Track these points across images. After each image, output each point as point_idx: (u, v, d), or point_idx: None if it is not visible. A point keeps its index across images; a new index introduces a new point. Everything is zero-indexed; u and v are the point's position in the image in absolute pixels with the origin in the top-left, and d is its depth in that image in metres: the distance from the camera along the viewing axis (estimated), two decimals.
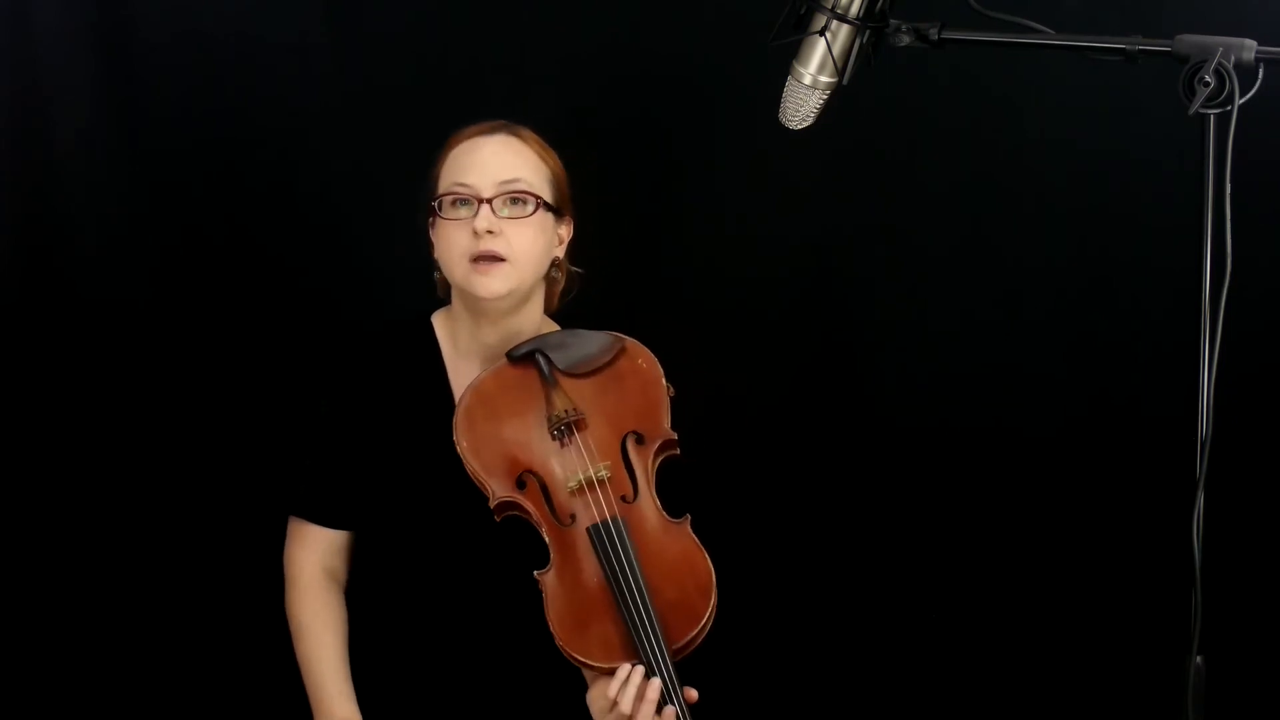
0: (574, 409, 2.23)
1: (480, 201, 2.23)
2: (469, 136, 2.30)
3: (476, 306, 2.29)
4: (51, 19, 2.85)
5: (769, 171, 2.91)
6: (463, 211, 2.24)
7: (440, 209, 2.26)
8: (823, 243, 2.97)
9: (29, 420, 2.91)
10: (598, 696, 2.16)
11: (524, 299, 2.31)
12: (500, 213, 2.23)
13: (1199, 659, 1.80)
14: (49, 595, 2.93)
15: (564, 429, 2.22)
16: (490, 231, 2.21)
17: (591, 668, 2.15)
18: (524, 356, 2.27)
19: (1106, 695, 2.93)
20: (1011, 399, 2.96)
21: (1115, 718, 2.90)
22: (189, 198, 2.94)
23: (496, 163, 2.26)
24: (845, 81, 1.97)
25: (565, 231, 2.36)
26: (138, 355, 2.93)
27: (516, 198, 2.25)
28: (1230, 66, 1.79)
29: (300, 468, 2.33)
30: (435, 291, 2.41)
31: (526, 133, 2.31)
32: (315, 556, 2.33)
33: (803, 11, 1.96)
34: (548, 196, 2.29)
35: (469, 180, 2.25)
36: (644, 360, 2.30)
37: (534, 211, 2.26)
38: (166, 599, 2.95)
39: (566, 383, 2.26)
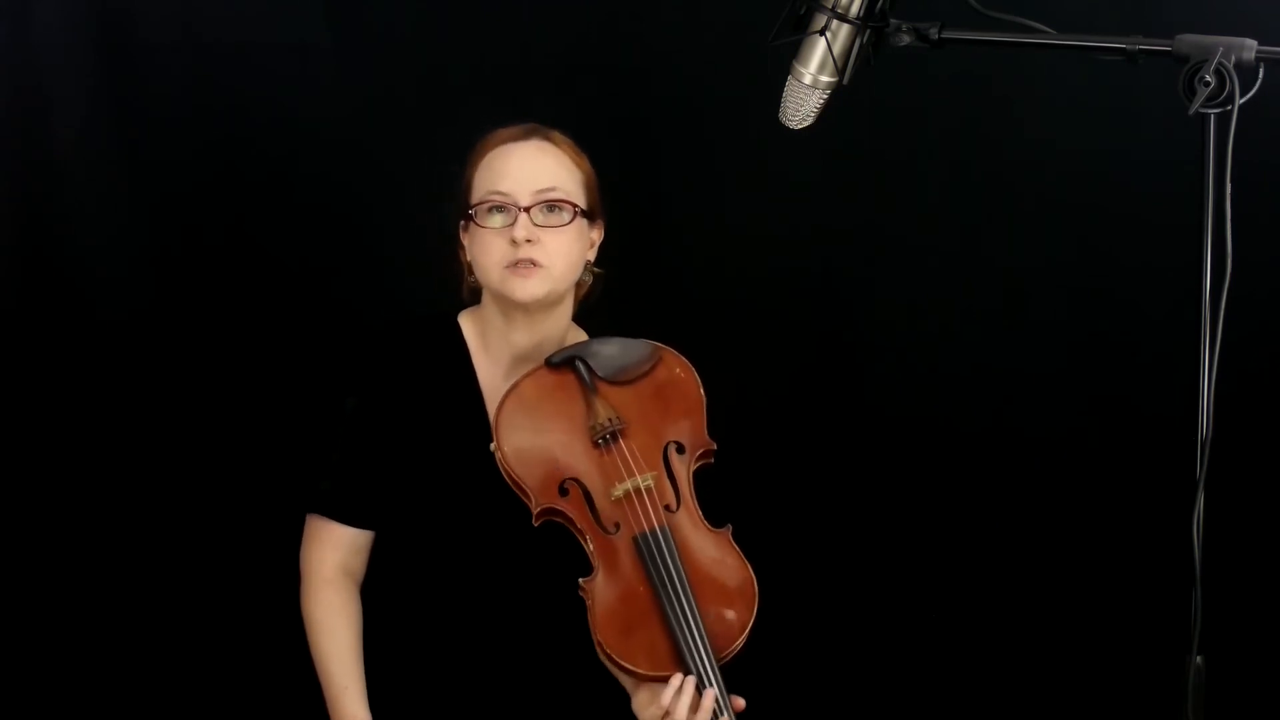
0: (617, 417, 2.23)
1: (518, 210, 2.22)
2: (502, 141, 2.28)
3: (510, 309, 2.28)
4: (51, 19, 2.85)
5: (769, 171, 2.91)
6: (499, 219, 2.24)
7: (476, 216, 2.25)
8: (823, 242, 2.97)
9: (31, 422, 2.90)
10: (647, 703, 2.14)
11: (557, 302, 2.30)
12: (537, 220, 2.23)
13: (1199, 659, 1.80)
14: (52, 596, 2.93)
15: (608, 437, 2.22)
16: (529, 240, 2.21)
17: (637, 675, 2.14)
18: (563, 363, 2.27)
19: (1106, 695, 2.93)
20: (1011, 399, 2.97)
21: (1115, 718, 2.90)
22: (189, 198, 2.94)
23: (533, 169, 2.25)
24: (845, 81, 1.96)
25: (597, 235, 2.35)
26: (139, 355, 2.93)
27: (554, 205, 2.25)
28: (1230, 66, 1.79)
29: (322, 465, 2.31)
30: (459, 293, 2.38)
31: (559, 136, 2.31)
32: (335, 555, 2.31)
33: (803, 11, 1.96)
34: (583, 202, 2.29)
35: (505, 188, 2.24)
36: (681, 369, 2.30)
37: (571, 220, 2.26)
38: (172, 600, 2.95)
39: (607, 390, 2.25)
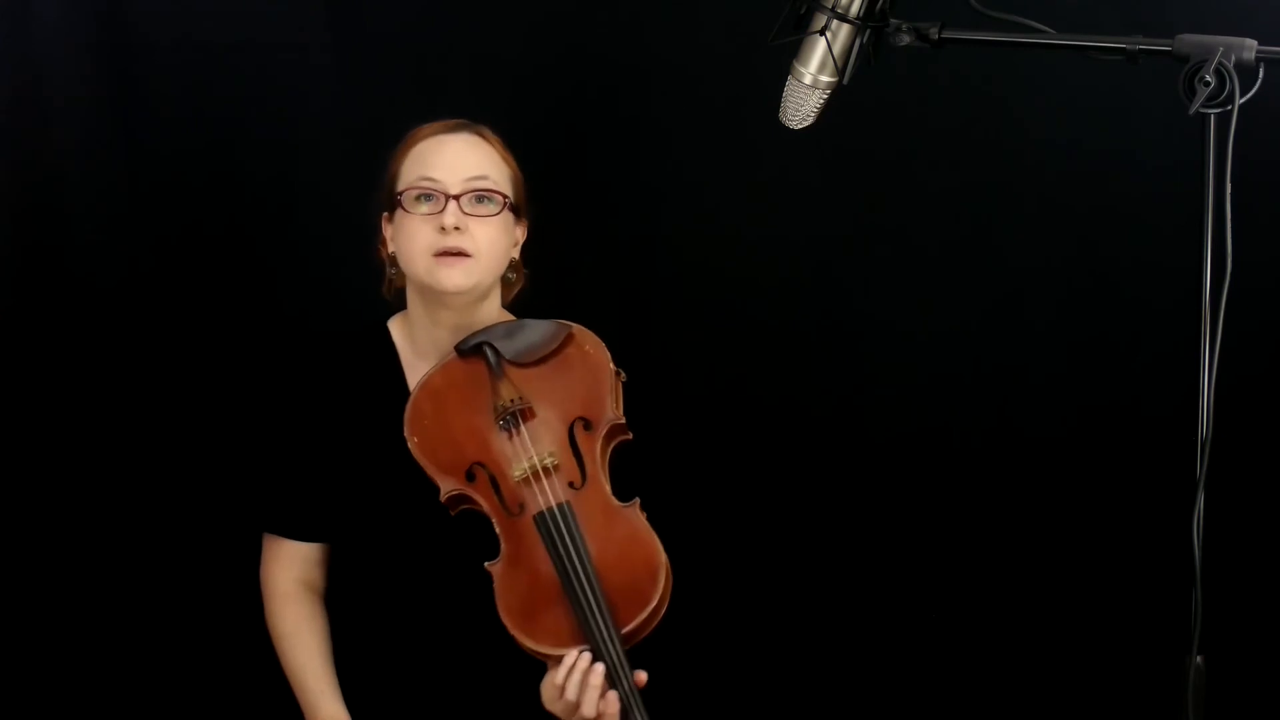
0: (519, 398, 2.24)
1: (447, 198, 2.24)
2: (433, 133, 2.30)
3: (435, 302, 2.30)
4: (51, 19, 2.85)
5: (769, 171, 2.91)
6: (427, 207, 2.25)
7: (404, 203, 2.26)
8: (822, 242, 2.97)
9: (28, 420, 2.90)
10: (547, 685, 2.16)
11: (483, 296, 2.32)
12: (466, 209, 2.25)
13: (1199, 659, 1.80)
14: (51, 595, 2.93)
15: (510, 418, 2.23)
16: (457, 228, 2.22)
17: (542, 655, 2.16)
18: (472, 349, 2.28)
19: (1106, 695, 2.93)
20: (1011, 399, 2.96)
21: (1115, 718, 2.90)
22: (189, 197, 2.94)
23: (464, 159, 2.27)
24: (845, 81, 1.97)
25: (521, 233, 2.37)
26: (138, 355, 2.93)
27: (483, 195, 2.26)
28: (1230, 66, 1.79)
29: (267, 484, 2.34)
30: (384, 294, 2.41)
31: (489, 132, 2.33)
32: (291, 571, 2.34)
33: (803, 11, 1.96)
34: (511, 196, 2.31)
35: (436, 175, 2.26)
36: (591, 346, 2.30)
37: (500, 210, 2.27)
38: (168, 599, 2.95)
39: (513, 372, 2.26)
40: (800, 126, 2.03)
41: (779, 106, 2.03)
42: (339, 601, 2.36)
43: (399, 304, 2.41)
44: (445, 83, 2.95)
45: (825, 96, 1.99)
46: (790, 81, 2.00)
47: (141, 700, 2.95)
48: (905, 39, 1.93)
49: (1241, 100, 1.78)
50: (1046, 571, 2.95)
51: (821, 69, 1.97)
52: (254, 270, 2.96)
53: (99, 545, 2.93)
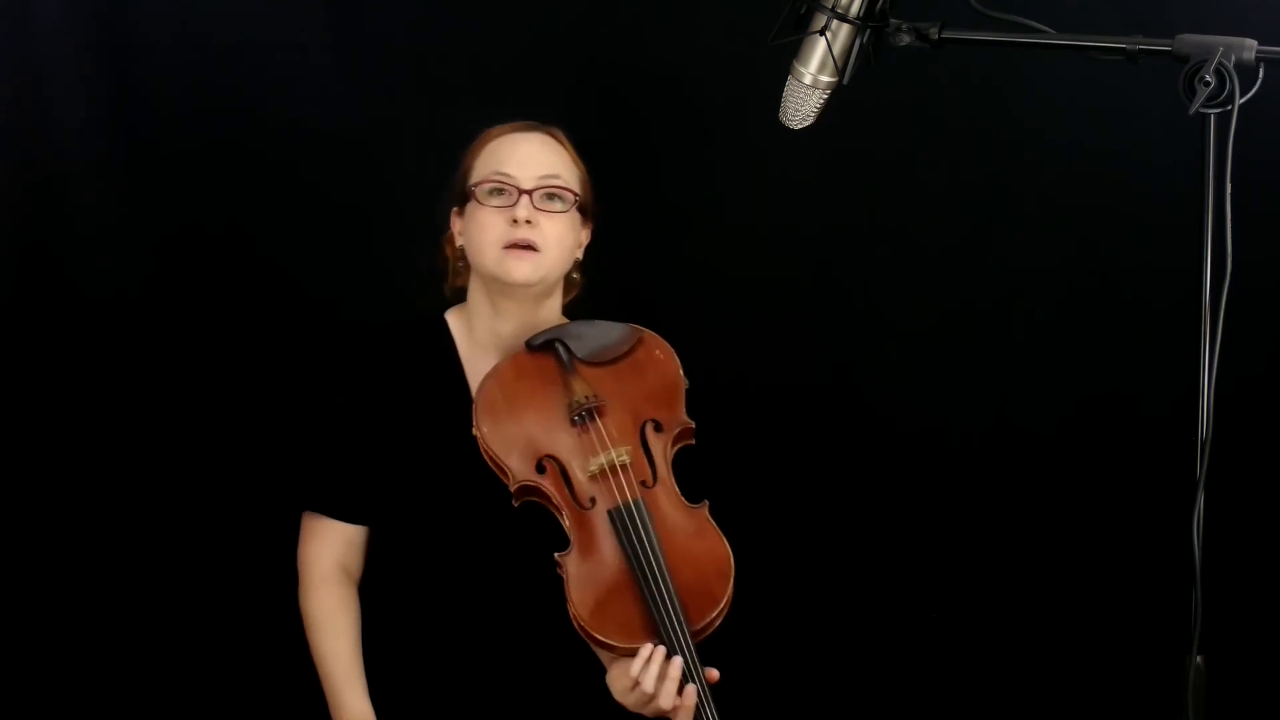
0: (594, 395, 2.27)
1: (520, 192, 2.29)
2: (507, 131, 2.36)
3: (500, 295, 2.33)
4: (51, 19, 2.85)
5: (769, 171, 2.91)
6: (499, 200, 2.30)
7: (477, 195, 2.31)
8: (823, 242, 2.97)
9: (30, 420, 2.90)
10: (619, 676, 2.17)
11: (547, 293, 2.36)
12: (537, 204, 2.30)
13: (1199, 659, 1.80)
14: (50, 596, 2.93)
15: (584, 415, 2.26)
16: (528, 221, 2.27)
17: (612, 648, 2.17)
18: (543, 345, 2.31)
19: (1106, 695, 2.93)
20: (1011, 399, 2.97)
21: (1115, 718, 2.90)
22: (189, 197, 2.94)
23: (537, 157, 2.33)
24: (845, 81, 1.97)
25: (585, 235, 2.42)
26: (138, 355, 2.93)
27: (554, 193, 2.31)
28: (1230, 66, 1.79)
29: (314, 463, 2.35)
30: (442, 291, 2.43)
31: (561, 134, 2.39)
32: (330, 552, 2.34)
33: (803, 11, 1.96)
34: (580, 195, 2.36)
35: (510, 170, 2.31)
36: (661, 351, 2.34)
37: (569, 208, 2.33)
38: (173, 599, 2.94)
39: (585, 370, 2.30)
40: (800, 126, 2.03)
41: (779, 106, 2.04)
42: (377, 594, 2.36)
43: (430, 301, 2.43)
44: (445, 83, 2.95)
45: (825, 96, 2.00)
46: (790, 81, 2.00)
47: (165, 693, 2.96)
48: (905, 39, 1.93)
49: (1241, 100, 1.79)
50: (1046, 571, 2.95)
51: (821, 69, 1.97)
52: (254, 269, 2.96)
53: (104, 545, 2.93)
